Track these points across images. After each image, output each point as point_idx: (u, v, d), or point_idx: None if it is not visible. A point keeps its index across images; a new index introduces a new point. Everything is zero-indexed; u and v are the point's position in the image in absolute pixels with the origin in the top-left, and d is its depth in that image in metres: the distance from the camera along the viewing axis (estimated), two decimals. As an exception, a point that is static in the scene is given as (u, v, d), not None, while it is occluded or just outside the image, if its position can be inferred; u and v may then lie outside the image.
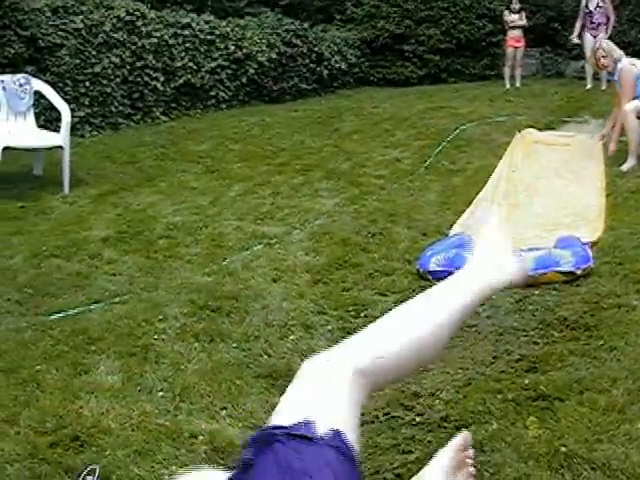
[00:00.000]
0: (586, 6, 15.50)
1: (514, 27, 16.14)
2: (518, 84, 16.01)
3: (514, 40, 16.13)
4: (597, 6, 15.42)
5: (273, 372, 4.44)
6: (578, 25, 15.66)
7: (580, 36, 15.64)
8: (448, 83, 16.85)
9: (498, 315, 5.16)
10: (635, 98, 9.07)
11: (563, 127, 11.13)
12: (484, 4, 17.26)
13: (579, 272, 5.74)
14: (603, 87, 14.36)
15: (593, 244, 6.50)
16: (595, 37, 15.35)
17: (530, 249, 6.13)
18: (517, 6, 16.27)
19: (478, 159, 9.74)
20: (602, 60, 9.64)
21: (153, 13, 13.64)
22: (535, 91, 15.16)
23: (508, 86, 15.84)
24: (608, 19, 15.46)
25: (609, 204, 7.67)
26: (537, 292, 5.50)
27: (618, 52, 9.52)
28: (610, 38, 15.44)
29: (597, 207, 7.66)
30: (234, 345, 4.81)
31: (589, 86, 14.71)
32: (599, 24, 15.42)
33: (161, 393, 4.24)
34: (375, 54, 17.47)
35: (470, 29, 17.21)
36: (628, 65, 9.26)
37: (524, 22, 16.22)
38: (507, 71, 16.16)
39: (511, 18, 16.20)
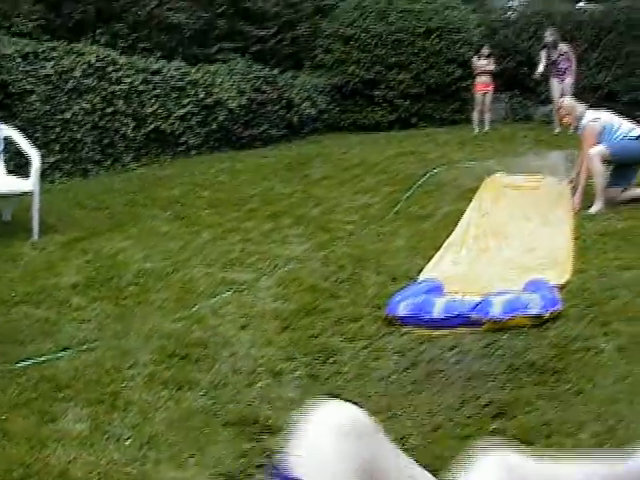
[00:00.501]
0: (548, 55, 15.76)
1: (483, 72, 16.32)
2: (487, 128, 16.14)
3: (482, 85, 16.31)
4: (560, 54, 15.70)
5: (241, 420, 4.42)
6: (538, 72, 15.90)
7: (545, 78, 15.89)
8: (418, 128, 16.94)
9: (466, 360, 5.17)
10: (599, 143, 9.20)
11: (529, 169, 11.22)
12: (453, 49, 17.42)
13: (547, 315, 5.76)
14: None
15: (561, 287, 6.54)
16: (561, 82, 15.62)
17: (499, 293, 6.17)
18: (487, 51, 16.47)
19: (447, 204, 9.80)
20: (565, 118, 9.81)
21: (124, 59, 13.67)
22: (504, 135, 15.29)
23: (477, 130, 15.98)
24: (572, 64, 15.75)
25: (577, 247, 7.75)
26: (505, 336, 5.52)
27: (580, 109, 9.66)
28: (577, 82, 15.76)
29: (565, 250, 7.73)
30: (202, 393, 4.79)
31: (557, 130, 14.85)
32: (565, 70, 15.68)
33: (129, 441, 4.20)
34: (345, 100, 17.58)
35: (440, 74, 17.36)
36: (591, 122, 9.39)
37: (492, 67, 16.41)
38: (476, 115, 16.30)
39: (480, 63, 16.39)
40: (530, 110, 18.13)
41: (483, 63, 16.38)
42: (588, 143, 9.27)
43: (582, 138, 9.50)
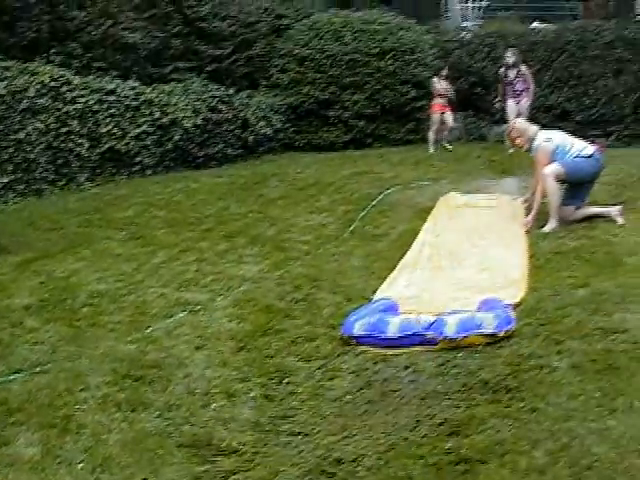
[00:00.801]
0: (506, 75, 15.93)
1: (442, 94, 16.46)
2: (449, 147, 16.24)
3: (441, 106, 16.42)
4: (517, 75, 15.86)
5: (195, 441, 4.41)
6: (500, 91, 16.08)
7: (504, 102, 16.05)
8: (373, 148, 16.96)
9: (421, 379, 5.19)
10: (552, 162, 9.28)
11: (483, 188, 11.32)
12: (407, 70, 17.46)
13: (501, 334, 5.80)
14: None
15: (515, 306, 6.58)
16: (517, 103, 15.76)
17: (453, 312, 6.19)
18: (446, 72, 16.62)
19: (402, 223, 9.83)
20: (517, 140, 9.88)
21: (78, 79, 13.59)
22: (458, 155, 15.36)
23: (432, 150, 16.04)
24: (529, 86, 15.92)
25: (531, 265, 7.80)
26: (460, 355, 5.55)
27: (532, 130, 9.75)
28: (532, 103, 15.93)
29: (519, 268, 7.78)
30: (156, 414, 4.77)
31: (512, 150, 14.98)
32: (521, 91, 15.85)
33: (81, 465, 4.18)
34: (300, 120, 17.57)
35: (394, 94, 17.37)
36: (544, 142, 9.48)
37: (451, 90, 16.60)
38: (431, 136, 16.36)
39: (441, 85, 16.52)
40: (484, 130, 18.22)
41: (444, 85, 16.52)
42: (542, 163, 9.35)
43: (535, 158, 9.57)
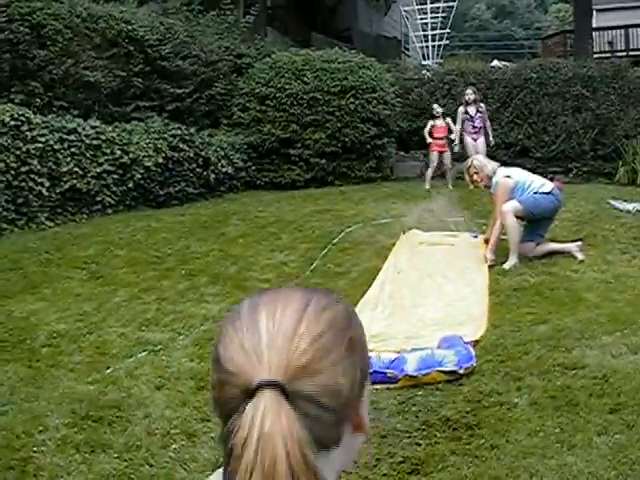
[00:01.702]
0: (466, 112, 16.09)
1: (439, 133, 16.59)
2: (450, 186, 16.31)
3: (438, 146, 16.54)
4: (477, 111, 16.04)
5: (155, 482, 4.38)
6: (458, 129, 16.22)
7: (462, 140, 16.19)
8: (334, 186, 17.02)
9: (381, 417, 5.19)
10: (512, 199, 9.34)
11: (444, 226, 11.37)
12: (368, 108, 17.57)
13: (462, 371, 5.83)
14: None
15: (476, 342, 6.61)
16: (475, 140, 15.92)
17: (413, 349, 6.21)
18: (440, 110, 16.75)
19: (363, 261, 9.85)
20: (475, 177, 9.94)
21: (39, 118, 13.55)
22: (419, 192, 15.44)
23: (428, 187, 16.10)
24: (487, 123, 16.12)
25: (492, 302, 7.85)
26: (420, 392, 5.56)
27: (490, 167, 9.82)
28: (490, 140, 16.11)
29: (480, 305, 7.82)
30: (115, 455, 4.73)
31: (472, 186, 15.09)
32: (480, 128, 16.02)
33: (39, 508, 4.14)
34: (262, 158, 17.60)
35: (355, 133, 17.46)
36: (503, 178, 9.55)
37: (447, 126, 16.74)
38: (429, 173, 16.47)
39: (433, 123, 16.67)
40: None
41: (439, 123, 16.64)
42: (501, 199, 9.41)
43: (495, 195, 9.64)
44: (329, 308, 1.38)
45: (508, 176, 9.58)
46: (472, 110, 16.11)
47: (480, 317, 7.44)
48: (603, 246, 9.89)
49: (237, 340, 1.36)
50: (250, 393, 1.28)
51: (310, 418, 1.28)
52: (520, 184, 9.47)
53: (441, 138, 16.61)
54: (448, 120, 16.58)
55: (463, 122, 16.17)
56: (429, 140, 16.68)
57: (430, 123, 16.82)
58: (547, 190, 9.42)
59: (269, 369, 1.28)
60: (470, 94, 16.24)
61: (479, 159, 10.38)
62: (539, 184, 9.50)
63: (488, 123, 16.22)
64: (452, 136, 16.43)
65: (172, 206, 14.89)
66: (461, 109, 16.27)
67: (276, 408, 1.26)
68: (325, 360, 1.31)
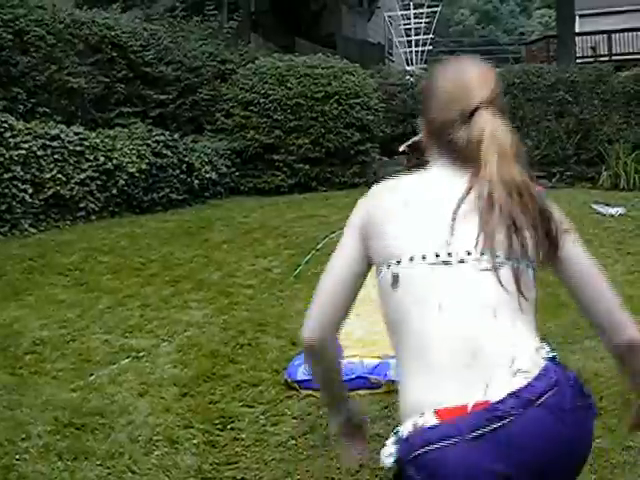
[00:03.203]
0: None
1: None
2: None
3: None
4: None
5: (137, 490, 4.38)
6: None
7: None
8: (318, 191, 17.06)
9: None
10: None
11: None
12: (352, 114, 17.62)
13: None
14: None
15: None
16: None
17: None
18: None
19: (347, 266, 9.84)
20: None
21: (21, 124, 13.51)
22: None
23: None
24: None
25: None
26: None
27: None
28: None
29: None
30: (98, 462, 4.73)
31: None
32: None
33: (21, 516, 4.13)
34: (245, 164, 17.62)
35: (338, 138, 17.50)
36: None
37: None
38: None
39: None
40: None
41: None
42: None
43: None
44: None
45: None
46: None
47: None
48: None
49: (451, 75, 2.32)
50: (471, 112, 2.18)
51: None
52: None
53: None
54: None
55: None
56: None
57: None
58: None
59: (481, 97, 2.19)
60: None
61: None
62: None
63: None
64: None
65: (156, 212, 14.86)
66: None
67: (495, 118, 2.20)
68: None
